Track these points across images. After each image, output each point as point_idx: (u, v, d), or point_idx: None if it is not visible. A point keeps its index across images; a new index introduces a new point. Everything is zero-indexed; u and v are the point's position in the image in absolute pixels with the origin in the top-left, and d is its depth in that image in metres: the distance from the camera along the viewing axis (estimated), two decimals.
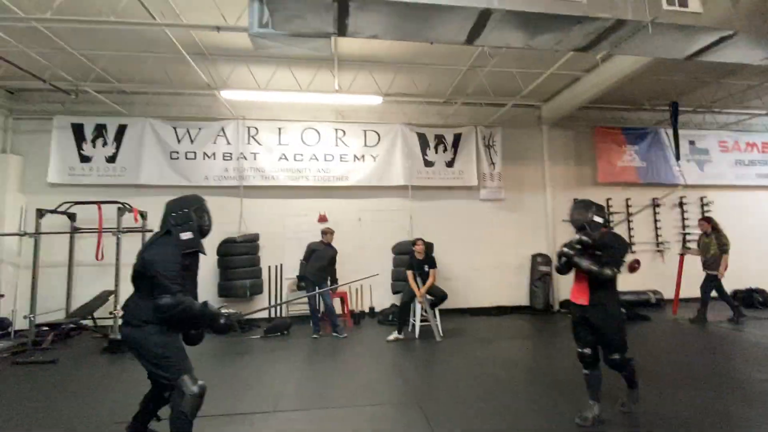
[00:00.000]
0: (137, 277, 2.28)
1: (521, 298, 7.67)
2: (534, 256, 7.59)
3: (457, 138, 7.65)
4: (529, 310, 7.45)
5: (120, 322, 5.14)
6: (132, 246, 6.27)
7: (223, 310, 2.34)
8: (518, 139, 7.96)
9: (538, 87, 6.46)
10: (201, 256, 2.48)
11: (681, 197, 8.44)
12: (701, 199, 8.52)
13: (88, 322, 6.10)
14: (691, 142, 8.42)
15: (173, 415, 2.19)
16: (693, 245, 6.97)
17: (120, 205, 5.70)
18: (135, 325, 2.23)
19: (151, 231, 6.19)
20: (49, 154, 6.63)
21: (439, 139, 7.61)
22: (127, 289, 6.58)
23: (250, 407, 3.27)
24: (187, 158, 6.90)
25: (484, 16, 3.39)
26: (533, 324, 6.59)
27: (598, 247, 2.87)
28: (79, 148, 6.72)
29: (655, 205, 8.13)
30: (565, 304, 7.47)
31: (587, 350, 2.94)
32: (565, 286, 7.69)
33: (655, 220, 8.25)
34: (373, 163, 7.33)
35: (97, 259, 5.85)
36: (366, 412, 3.20)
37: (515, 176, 7.89)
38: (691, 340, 5.40)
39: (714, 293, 6.35)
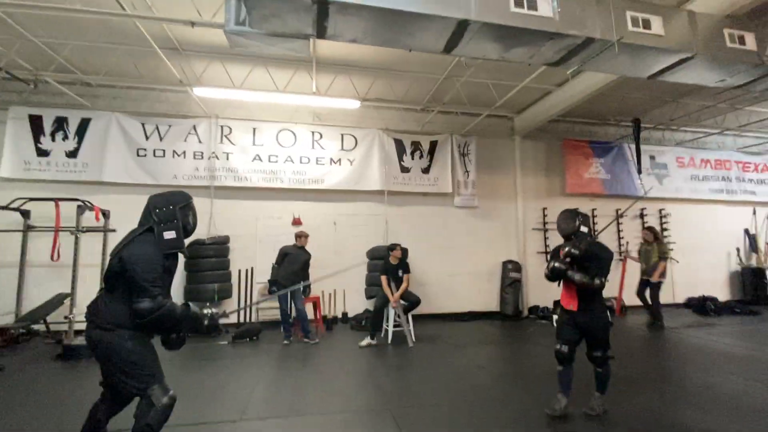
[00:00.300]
0: (112, 276, 2.12)
1: (492, 303, 7.81)
2: (505, 263, 7.77)
3: (434, 145, 7.75)
4: (500, 316, 7.60)
5: (76, 326, 4.83)
6: (92, 246, 6.02)
7: (206, 311, 2.24)
8: (492, 149, 8.16)
9: (511, 99, 6.67)
10: (180, 256, 2.36)
11: (642, 209, 8.90)
12: (660, 210, 9.01)
13: (40, 327, 5.71)
14: (652, 157, 8.91)
15: (138, 426, 2.05)
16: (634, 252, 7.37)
17: (80, 203, 5.39)
18: (106, 328, 2.06)
19: (113, 231, 5.91)
20: (2, 146, 6.21)
21: (416, 146, 7.69)
22: (85, 292, 6.22)
23: (216, 416, 3.15)
24: (155, 156, 6.63)
25: (462, 27, 3.47)
26: (503, 329, 6.72)
27: (586, 258, 3.01)
28: (37, 141, 6.33)
29: (618, 216, 8.52)
30: (534, 309, 7.69)
31: (565, 348, 3.15)
32: (534, 293, 7.94)
33: (618, 230, 8.64)
34: (350, 167, 7.30)
35: (52, 259, 5.51)
36: (336, 420, 3.15)
37: (488, 185, 8.07)
38: (647, 345, 5.66)
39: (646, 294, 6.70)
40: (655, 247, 6.68)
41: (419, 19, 3.35)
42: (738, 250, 9.44)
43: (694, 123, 8.38)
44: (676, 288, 8.82)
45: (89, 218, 5.66)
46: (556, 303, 7.07)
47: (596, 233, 3.32)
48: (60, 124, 6.43)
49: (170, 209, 2.22)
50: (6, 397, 3.60)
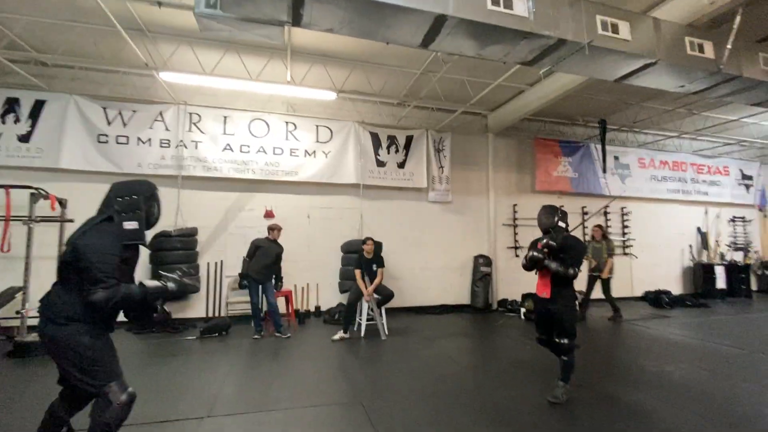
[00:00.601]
0: (65, 267, 2.00)
1: (463, 297, 7.98)
2: (476, 258, 7.94)
3: (409, 140, 7.77)
4: (470, 309, 7.78)
5: (29, 321, 4.56)
6: (46, 237, 5.66)
7: (168, 279, 2.14)
8: (466, 145, 8.28)
9: (486, 96, 6.77)
10: (142, 248, 2.25)
11: (605, 207, 9.31)
12: (622, 209, 9.46)
13: None
14: (616, 158, 9.32)
15: (94, 425, 1.96)
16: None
17: (33, 191, 5.05)
18: (59, 323, 1.94)
19: (70, 221, 5.58)
20: None
21: (392, 140, 7.68)
22: (39, 286, 5.88)
23: (182, 413, 3.06)
24: (118, 143, 6.29)
25: (439, 22, 3.48)
26: (473, 322, 6.89)
27: (562, 249, 3.27)
28: None
29: (583, 213, 8.89)
30: (503, 303, 7.91)
31: (545, 336, 3.44)
32: (504, 286, 8.17)
33: (583, 227, 9.01)
34: (325, 160, 7.21)
35: (2, 250, 5.14)
36: (307, 414, 3.13)
37: (462, 180, 8.20)
38: (605, 336, 5.96)
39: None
40: (604, 244, 6.99)
41: (397, 11, 3.33)
42: (691, 247, 10.08)
43: (655, 126, 8.82)
44: (635, 282, 9.33)
45: (44, 207, 5.31)
46: (525, 296, 7.33)
47: (570, 229, 3.54)
48: (11, 105, 5.98)
49: (134, 199, 2.12)
50: None
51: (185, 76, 5.74)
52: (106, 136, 6.25)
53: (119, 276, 2.01)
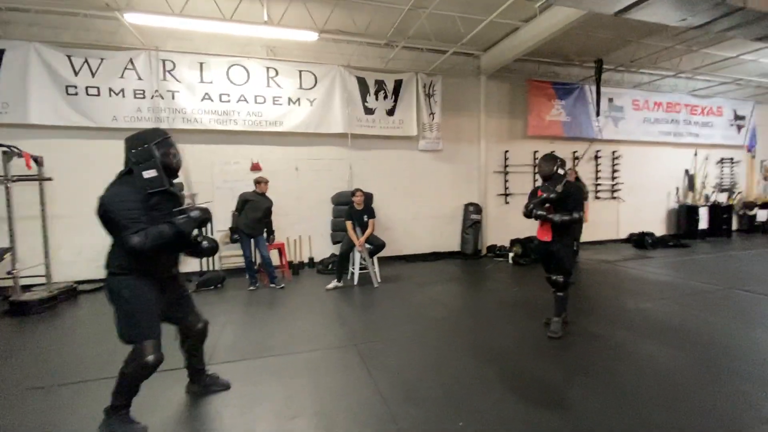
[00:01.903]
0: (103, 223, 2.12)
1: (453, 244, 8.14)
2: (466, 205, 7.98)
3: (398, 85, 7.43)
4: (460, 256, 7.97)
5: (21, 281, 4.57)
6: (28, 197, 5.49)
7: (189, 210, 2.22)
8: (457, 89, 7.97)
9: (478, 35, 6.39)
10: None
11: (597, 151, 9.25)
12: (613, 152, 9.42)
13: None
14: (610, 100, 9.09)
15: (121, 369, 2.15)
16: (604, 194, 7.79)
17: (5, 148, 4.81)
18: (110, 272, 2.15)
19: (49, 179, 5.41)
20: None
21: (380, 85, 7.34)
22: (28, 246, 5.84)
23: (182, 363, 3.17)
24: (88, 94, 5.91)
25: None
26: (463, 268, 7.09)
27: (564, 197, 3.40)
28: None
29: (574, 158, 8.84)
30: (492, 248, 8.10)
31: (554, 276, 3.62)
32: (492, 233, 8.32)
33: (575, 170, 9.00)
34: (310, 108, 6.91)
35: None
36: (304, 358, 3.28)
37: (452, 127, 7.99)
38: (586, 277, 6.20)
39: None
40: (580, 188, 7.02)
41: None
42: (677, 189, 10.22)
43: (652, 65, 8.51)
44: (621, 225, 9.55)
45: (20, 166, 5.10)
46: (513, 242, 7.50)
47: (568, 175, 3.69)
48: None
49: (146, 148, 2.16)
50: None
51: (152, 17, 5.27)
52: (75, 87, 5.85)
53: (149, 222, 2.09)
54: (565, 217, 3.41)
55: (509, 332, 3.75)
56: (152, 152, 2.16)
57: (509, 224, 8.13)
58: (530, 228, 8.40)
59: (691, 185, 10.27)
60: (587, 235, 7.13)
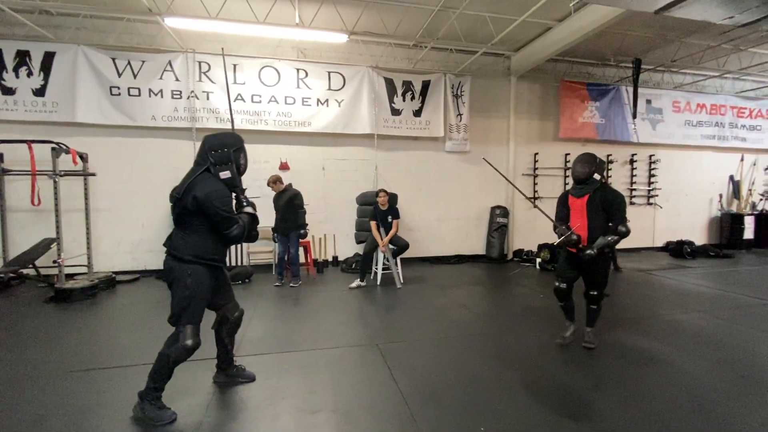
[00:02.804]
0: (187, 214, 2.30)
1: (478, 247, 8.02)
2: (493, 208, 7.85)
3: (426, 86, 7.41)
4: (485, 259, 7.85)
5: (66, 270, 4.86)
6: (73, 191, 5.85)
7: (246, 205, 2.53)
8: (486, 90, 7.85)
9: (509, 35, 6.28)
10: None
11: (632, 155, 8.88)
12: (650, 156, 9.01)
13: (29, 272, 5.73)
14: (648, 101, 8.70)
15: (161, 351, 2.32)
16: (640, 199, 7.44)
17: (54, 145, 5.14)
18: (182, 259, 2.32)
19: (92, 175, 5.73)
20: None
21: (407, 86, 7.34)
22: (72, 237, 6.18)
23: (211, 353, 3.28)
24: (130, 95, 6.24)
25: None
26: (488, 272, 6.97)
27: (602, 206, 3.12)
28: None
29: (608, 162, 8.52)
30: (519, 253, 7.92)
31: (564, 285, 3.37)
32: (520, 237, 8.14)
33: (607, 177, 8.68)
34: (338, 109, 7.00)
35: (33, 204, 5.38)
36: (328, 354, 3.32)
37: (480, 128, 7.88)
38: (620, 285, 5.95)
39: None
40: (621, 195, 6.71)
41: None
42: (720, 196, 9.65)
43: (695, 65, 8.09)
44: (657, 233, 9.12)
45: (66, 161, 5.45)
46: (541, 246, 7.30)
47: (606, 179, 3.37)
48: (22, 58, 5.92)
49: (225, 152, 2.38)
50: (3, 338, 3.69)
51: (190, 21, 5.51)
52: (118, 88, 6.19)
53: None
54: (616, 237, 3.07)
55: (534, 338, 3.65)
56: (230, 156, 2.39)
57: (537, 228, 7.93)
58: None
59: (736, 192, 9.67)
60: (621, 242, 6.84)
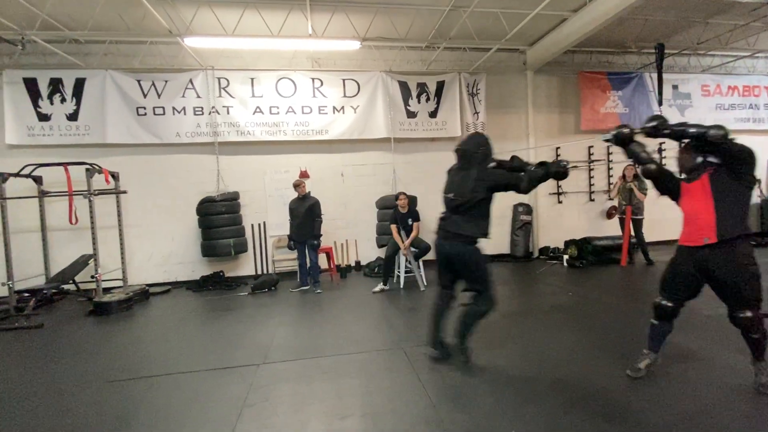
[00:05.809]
0: (476, 202, 2.86)
1: (502, 246, 7.87)
2: (515, 206, 7.71)
3: (440, 86, 7.38)
4: (510, 258, 7.70)
5: (103, 284, 5.06)
6: (107, 208, 6.14)
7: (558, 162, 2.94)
8: (502, 87, 7.74)
9: (523, 29, 6.18)
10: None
11: (661, 143, 8.52)
12: (680, 144, 8.60)
13: (69, 287, 6.03)
14: (674, 87, 8.36)
15: (470, 311, 2.95)
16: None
17: (88, 166, 5.42)
18: (467, 241, 2.87)
19: (124, 192, 6.00)
20: (3, 113, 6.15)
21: (422, 88, 7.33)
22: (108, 253, 6.43)
23: (241, 361, 3.36)
24: (155, 114, 6.51)
25: None
26: (513, 270, 6.83)
27: (728, 162, 2.43)
28: (36, 105, 6.24)
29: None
30: (545, 250, 7.72)
31: (670, 304, 2.50)
32: (545, 234, 7.95)
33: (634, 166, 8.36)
34: (354, 115, 7.07)
35: (71, 222, 5.67)
36: (354, 359, 3.33)
37: (498, 125, 7.76)
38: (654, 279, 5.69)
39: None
40: (635, 184, 6.48)
41: None
42: (759, 181, 9.11)
43: (723, 46, 7.71)
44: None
45: (99, 181, 5.73)
46: (568, 243, 7.09)
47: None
48: (55, 85, 6.29)
49: (483, 150, 3.00)
50: (50, 350, 3.90)
51: (208, 39, 5.72)
52: (144, 108, 6.47)
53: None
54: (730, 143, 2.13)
55: (563, 338, 3.55)
56: (489, 153, 3.05)
57: (563, 225, 7.73)
58: (586, 228, 7.96)
59: None
60: (653, 234, 6.60)
